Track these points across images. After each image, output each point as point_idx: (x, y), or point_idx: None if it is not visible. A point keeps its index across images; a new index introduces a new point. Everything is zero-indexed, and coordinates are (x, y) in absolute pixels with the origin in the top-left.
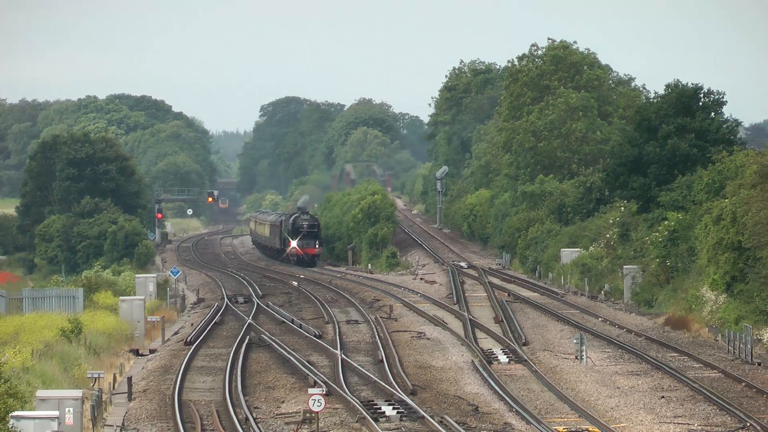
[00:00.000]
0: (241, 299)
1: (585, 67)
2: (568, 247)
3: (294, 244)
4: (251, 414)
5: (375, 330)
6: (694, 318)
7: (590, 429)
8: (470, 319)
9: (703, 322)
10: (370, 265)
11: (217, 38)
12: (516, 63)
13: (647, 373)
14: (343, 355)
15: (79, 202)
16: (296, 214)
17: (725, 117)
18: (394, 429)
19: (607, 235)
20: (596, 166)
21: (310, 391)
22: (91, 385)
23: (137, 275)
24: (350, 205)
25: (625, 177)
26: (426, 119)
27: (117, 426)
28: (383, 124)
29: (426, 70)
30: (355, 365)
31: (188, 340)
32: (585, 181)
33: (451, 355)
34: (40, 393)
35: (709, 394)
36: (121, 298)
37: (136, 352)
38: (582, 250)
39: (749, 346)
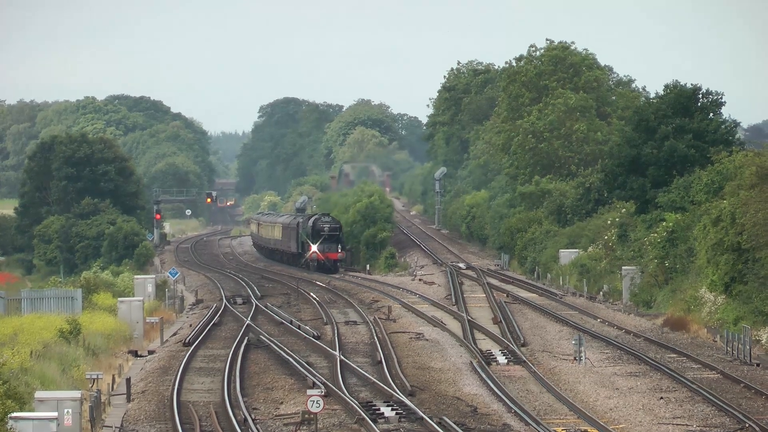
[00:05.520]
0: (239, 300)
1: (584, 68)
2: (567, 248)
3: (314, 248)
4: (250, 415)
5: (374, 331)
6: (692, 319)
7: (589, 430)
8: (469, 320)
9: (701, 323)
10: (368, 266)
11: (216, 39)
12: (514, 64)
13: (646, 374)
14: (341, 356)
15: (77, 203)
16: (316, 216)
17: (724, 118)
18: (392, 430)
19: (606, 236)
20: (595, 166)
21: (309, 392)
22: (90, 386)
23: (136, 276)
24: (348, 206)
25: (623, 178)
26: (424, 120)
27: (116, 427)
28: (382, 124)
29: (425, 70)
30: (354, 366)
31: (187, 341)
32: (584, 182)
33: (449, 356)
34: (39, 394)
35: (707, 395)
36: (119, 299)
37: (135, 353)
38: (581, 250)
39: (748, 347)
